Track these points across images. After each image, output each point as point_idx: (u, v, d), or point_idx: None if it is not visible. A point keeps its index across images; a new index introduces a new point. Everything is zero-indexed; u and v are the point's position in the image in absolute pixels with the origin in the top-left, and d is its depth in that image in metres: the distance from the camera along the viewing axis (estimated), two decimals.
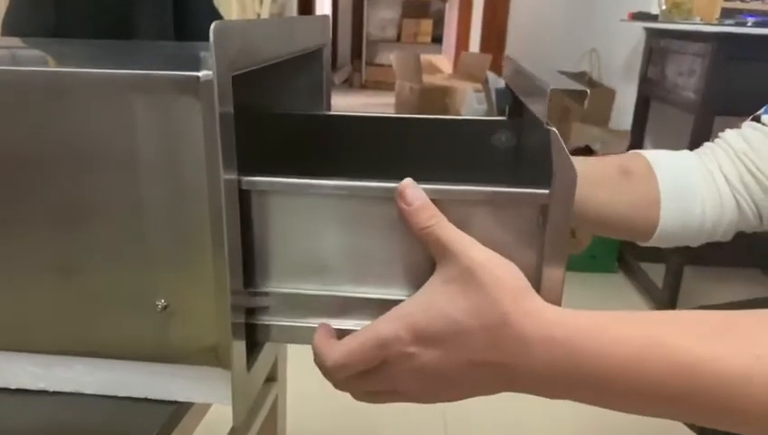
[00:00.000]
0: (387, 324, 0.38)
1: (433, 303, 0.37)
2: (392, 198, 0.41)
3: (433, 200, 0.40)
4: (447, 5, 5.93)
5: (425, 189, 0.40)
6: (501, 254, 0.39)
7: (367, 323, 0.43)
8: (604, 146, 2.00)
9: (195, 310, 0.45)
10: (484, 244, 0.39)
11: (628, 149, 2.14)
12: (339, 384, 0.42)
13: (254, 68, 0.43)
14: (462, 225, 0.40)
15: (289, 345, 0.65)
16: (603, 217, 0.57)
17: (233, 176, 0.41)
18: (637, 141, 2.09)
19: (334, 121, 0.67)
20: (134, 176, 0.42)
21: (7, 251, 0.45)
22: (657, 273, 1.86)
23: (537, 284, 0.41)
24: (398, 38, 6.32)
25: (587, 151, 2.00)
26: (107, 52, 0.62)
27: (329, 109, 0.71)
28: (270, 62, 0.47)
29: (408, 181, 0.40)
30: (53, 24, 1.66)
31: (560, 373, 0.35)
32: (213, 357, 0.46)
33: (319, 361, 0.41)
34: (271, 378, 0.84)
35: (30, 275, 0.45)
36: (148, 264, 0.44)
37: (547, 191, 0.40)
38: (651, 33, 2.00)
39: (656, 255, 2.00)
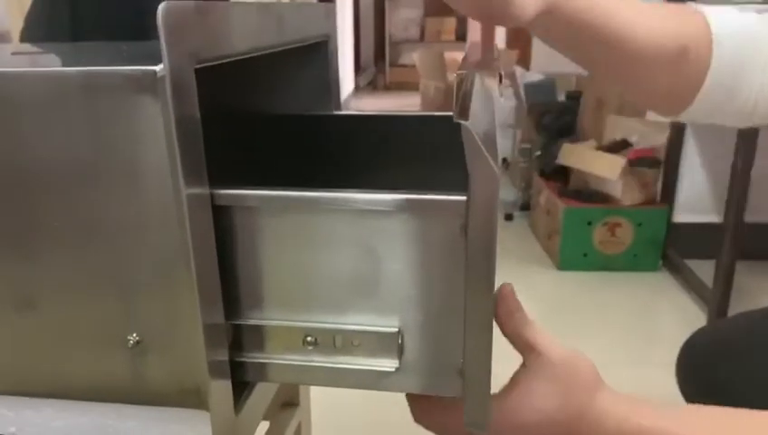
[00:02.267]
0: None
1: (524, 396, 0.42)
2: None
3: (343, 210, 0.37)
4: None
5: (333, 198, 0.37)
6: (424, 271, 0.37)
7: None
8: (642, 139, 1.88)
9: (171, 346, 0.38)
10: (405, 259, 0.37)
11: (668, 142, 2.00)
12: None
13: (227, 60, 0.37)
14: (383, 234, 0.37)
15: None
16: (640, 87, 0.56)
17: (199, 190, 0.34)
18: (678, 134, 1.96)
19: (338, 122, 0.60)
20: (94, 192, 0.36)
21: None
22: (704, 270, 1.74)
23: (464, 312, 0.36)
24: (422, 37, 6.22)
25: (623, 145, 1.88)
26: (92, 50, 0.56)
27: (338, 108, 0.64)
28: (250, 54, 0.40)
29: (509, 289, 0.43)
30: (70, 27, 1.63)
31: None
32: (196, 399, 0.39)
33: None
34: (292, 403, 0.77)
35: None
36: (114, 294, 0.38)
37: (464, 198, 0.34)
38: None
39: (703, 251, 1.88)
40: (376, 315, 0.38)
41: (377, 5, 6.12)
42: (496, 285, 0.40)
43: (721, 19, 0.53)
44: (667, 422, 0.41)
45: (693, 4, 0.54)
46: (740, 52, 0.52)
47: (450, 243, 0.35)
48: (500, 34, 4.45)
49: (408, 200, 0.35)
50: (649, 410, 0.42)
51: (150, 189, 0.35)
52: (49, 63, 0.51)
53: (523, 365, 0.43)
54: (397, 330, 0.38)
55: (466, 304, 0.35)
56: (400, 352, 0.38)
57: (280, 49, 0.47)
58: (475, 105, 0.34)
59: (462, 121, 0.31)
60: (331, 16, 0.61)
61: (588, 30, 0.49)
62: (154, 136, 0.34)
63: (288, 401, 0.77)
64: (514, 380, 0.42)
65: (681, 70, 0.52)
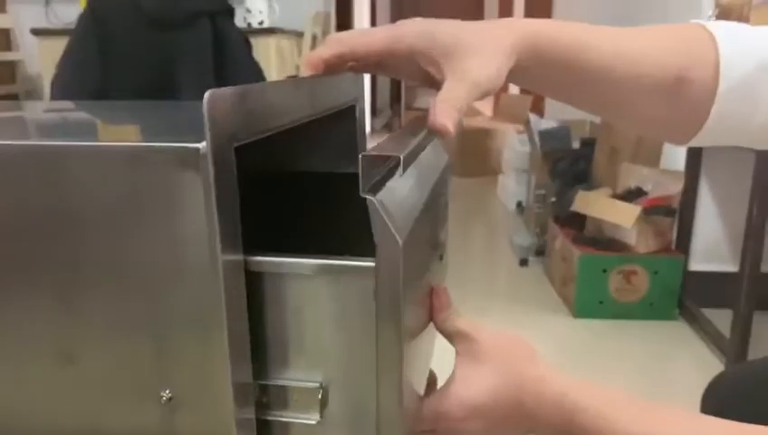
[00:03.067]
0: (443, 403, 0.46)
1: (464, 382, 0.45)
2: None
3: (261, 272, 0.39)
4: None
5: (253, 260, 0.39)
6: (344, 330, 0.40)
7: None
8: (657, 187, 1.90)
9: (203, 403, 0.40)
10: (323, 318, 0.40)
11: (683, 191, 1.99)
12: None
13: (265, 135, 0.39)
14: (301, 296, 0.40)
15: None
16: (639, 121, 0.53)
17: (234, 256, 0.36)
18: (692, 182, 1.98)
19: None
20: (133, 254, 0.38)
21: (4, 335, 0.42)
22: (721, 319, 1.72)
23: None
24: None
25: (638, 193, 1.90)
26: (130, 114, 0.60)
27: None
28: (285, 127, 0.43)
29: (442, 287, 0.48)
30: (98, 88, 1.71)
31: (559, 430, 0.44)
32: None
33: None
34: None
35: (29, 361, 0.42)
36: (150, 350, 0.40)
37: (372, 265, 0.37)
38: None
39: (720, 300, 1.86)
40: (302, 371, 0.41)
41: None
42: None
43: (731, 34, 0.48)
44: (605, 406, 0.43)
45: (700, 22, 0.50)
46: (753, 71, 0.47)
47: (365, 303, 0.38)
48: None
49: (322, 265, 0.39)
50: (589, 388, 0.44)
51: (186, 255, 0.38)
52: (87, 125, 0.55)
53: (458, 354, 0.45)
54: (318, 385, 0.40)
55: (377, 363, 0.38)
56: (322, 407, 0.41)
57: (311, 119, 0.50)
58: (393, 182, 0.37)
59: (369, 197, 0.34)
60: (360, 80, 0.64)
61: (563, 64, 0.46)
62: (193, 204, 0.36)
63: None
64: (453, 372, 0.45)
65: (680, 98, 0.48)
